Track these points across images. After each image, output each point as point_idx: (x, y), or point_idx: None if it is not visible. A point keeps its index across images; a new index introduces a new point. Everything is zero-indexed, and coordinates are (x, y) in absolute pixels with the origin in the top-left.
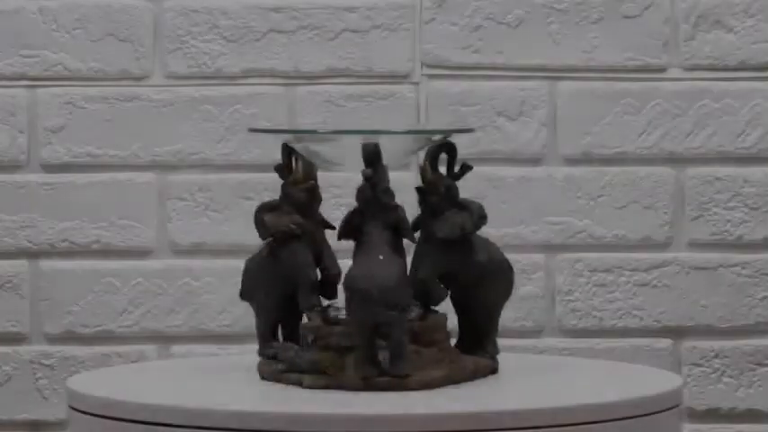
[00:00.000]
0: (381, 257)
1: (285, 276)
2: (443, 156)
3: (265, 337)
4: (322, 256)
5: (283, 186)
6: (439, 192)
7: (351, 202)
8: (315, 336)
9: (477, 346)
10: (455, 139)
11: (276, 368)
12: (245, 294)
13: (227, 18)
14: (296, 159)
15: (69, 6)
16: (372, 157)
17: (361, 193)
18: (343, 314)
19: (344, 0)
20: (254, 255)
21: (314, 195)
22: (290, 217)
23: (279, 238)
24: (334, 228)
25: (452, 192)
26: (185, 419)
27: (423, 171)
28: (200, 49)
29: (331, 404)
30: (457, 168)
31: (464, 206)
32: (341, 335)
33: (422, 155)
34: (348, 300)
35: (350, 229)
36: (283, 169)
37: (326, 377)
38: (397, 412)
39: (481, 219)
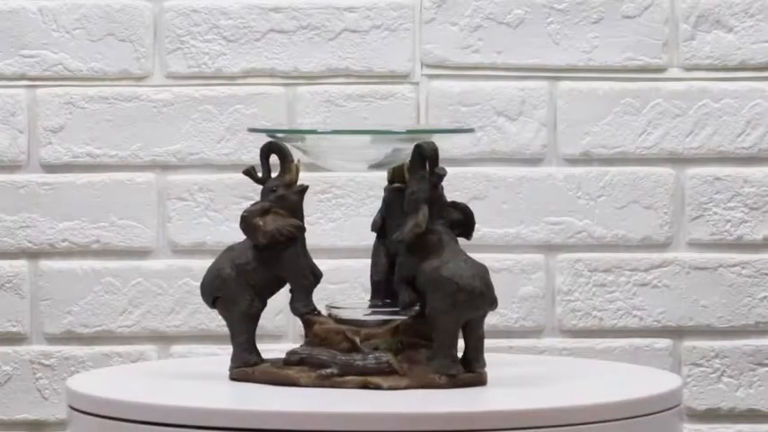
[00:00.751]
0: (467, 255)
1: (276, 281)
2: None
3: (245, 346)
4: (307, 259)
5: (273, 189)
6: (424, 191)
7: (350, 203)
8: (360, 338)
9: None
10: (457, 138)
11: (323, 373)
12: (221, 303)
13: (227, 18)
14: (286, 161)
15: (69, 6)
16: (436, 156)
17: (423, 193)
18: (347, 314)
19: (344, 0)
20: (222, 261)
21: (303, 197)
22: (289, 220)
23: (277, 243)
24: (305, 230)
25: None
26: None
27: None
28: (200, 49)
29: (435, 404)
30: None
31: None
32: (397, 334)
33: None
34: (448, 297)
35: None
36: (262, 172)
37: (404, 377)
38: (519, 407)
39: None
